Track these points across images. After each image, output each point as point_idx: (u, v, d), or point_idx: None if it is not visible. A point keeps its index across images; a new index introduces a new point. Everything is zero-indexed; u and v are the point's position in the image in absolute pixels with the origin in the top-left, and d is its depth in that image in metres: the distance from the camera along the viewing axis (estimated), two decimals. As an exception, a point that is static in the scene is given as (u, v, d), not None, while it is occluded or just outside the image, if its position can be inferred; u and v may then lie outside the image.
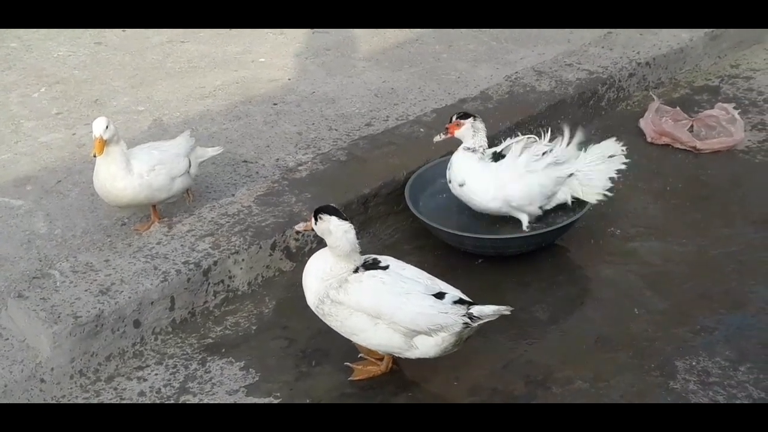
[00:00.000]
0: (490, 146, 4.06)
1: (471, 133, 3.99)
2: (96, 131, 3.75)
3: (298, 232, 3.96)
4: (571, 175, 3.99)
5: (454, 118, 4.02)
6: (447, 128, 4.05)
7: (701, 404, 3.26)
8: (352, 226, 3.22)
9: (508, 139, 4.15)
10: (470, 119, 3.99)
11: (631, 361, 3.49)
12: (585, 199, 4.02)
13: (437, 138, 4.08)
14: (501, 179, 3.96)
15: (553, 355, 3.53)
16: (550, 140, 4.11)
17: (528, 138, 4.08)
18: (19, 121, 5.13)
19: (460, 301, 3.20)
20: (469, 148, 4.00)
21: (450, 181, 4.07)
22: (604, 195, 4.02)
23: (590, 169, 4.02)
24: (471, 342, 3.32)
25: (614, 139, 4.16)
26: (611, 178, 4.03)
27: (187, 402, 3.36)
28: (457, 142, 4.05)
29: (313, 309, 3.34)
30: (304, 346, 3.62)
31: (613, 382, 3.39)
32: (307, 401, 3.36)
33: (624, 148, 4.11)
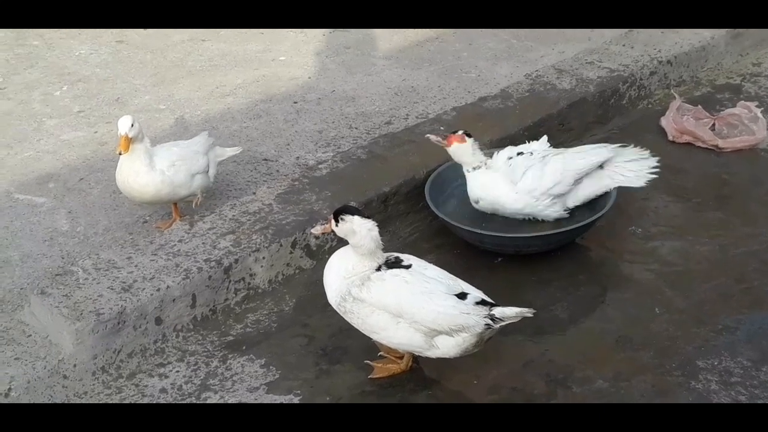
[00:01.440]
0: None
1: (471, 152, 4.00)
2: (122, 129, 3.78)
3: (316, 237, 3.97)
4: (601, 166, 4.02)
5: (459, 132, 4.02)
6: (447, 136, 4.04)
7: (723, 404, 3.24)
8: (375, 224, 3.23)
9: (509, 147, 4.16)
10: (471, 139, 4.00)
11: (652, 361, 3.48)
12: (629, 185, 4.03)
13: (433, 137, 4.08)
14: (516, 174, 3.98)
15: (574, 354, 3.53)
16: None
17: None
18: (42, 119, 5.17)
19: (483, 302, 3.19)
20: (474, 168, 4.02)
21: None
22: (649, 177, 4.04)
23: (627, 161, 4.05)
24: (491, 341, 3.32)
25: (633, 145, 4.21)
26: (648, 180, 4.05)
27: (208, 399, 3.38)
28: None
29: (334, 306, 3.34)
30: (324, 344, 3.63)
31: (633, 382, 3.38)
32: (327, 399, 3.37)
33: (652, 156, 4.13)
